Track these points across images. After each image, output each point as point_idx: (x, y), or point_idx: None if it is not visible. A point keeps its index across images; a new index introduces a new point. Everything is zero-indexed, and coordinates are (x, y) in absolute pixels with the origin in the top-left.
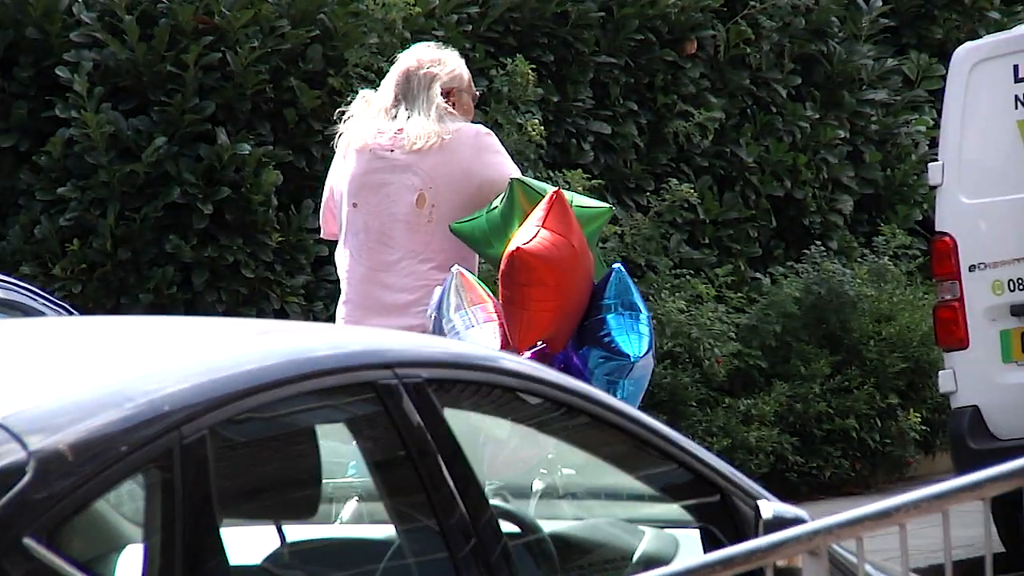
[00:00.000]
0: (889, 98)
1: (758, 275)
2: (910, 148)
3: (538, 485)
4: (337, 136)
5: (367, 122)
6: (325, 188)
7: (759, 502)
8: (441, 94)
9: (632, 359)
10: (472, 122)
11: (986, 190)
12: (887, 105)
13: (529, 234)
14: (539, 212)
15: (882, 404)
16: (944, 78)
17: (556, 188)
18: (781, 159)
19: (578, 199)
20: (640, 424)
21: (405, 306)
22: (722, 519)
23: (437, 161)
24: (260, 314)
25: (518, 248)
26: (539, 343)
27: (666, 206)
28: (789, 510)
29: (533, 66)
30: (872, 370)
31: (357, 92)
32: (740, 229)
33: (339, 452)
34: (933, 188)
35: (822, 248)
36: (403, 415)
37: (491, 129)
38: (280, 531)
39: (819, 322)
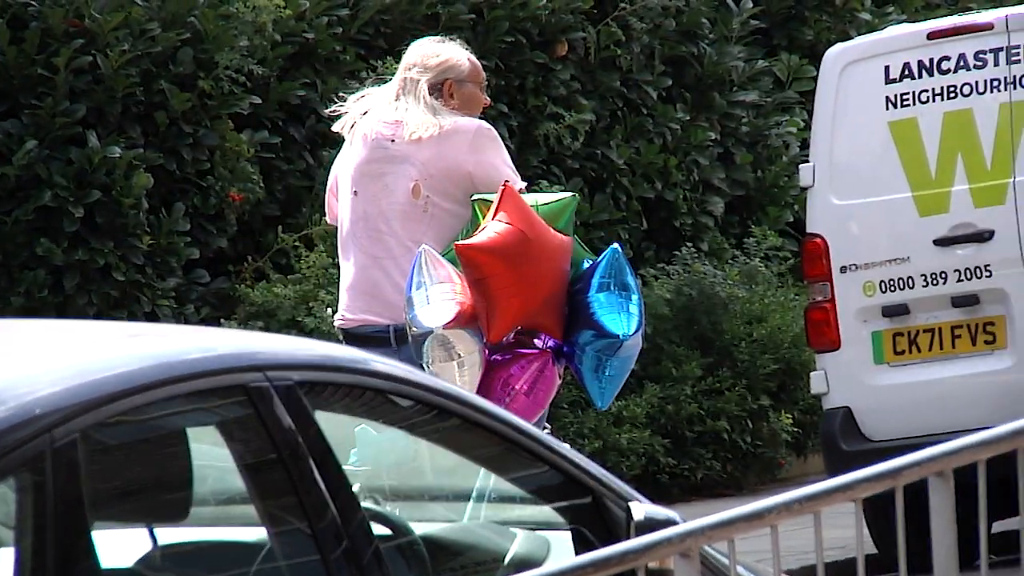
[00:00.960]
0: (760, 99)
1: None
2: (781, 150)
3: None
4: (347, 125)
5: (373, 112)
6: (330, 175)
7: (630, 504)
8: (436, 86)
9: (621, 338)
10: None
11: (857, 191)
12: (758, 107)
13: (480, 230)
14: (492, 208)
15: (753, 405)
16: (815, 79)
17: (506, 183)
18: (652, 161)
19: (542, 198)
20: (511, 426)
21: (406, 290)
22: (593, 521)
23: (433, 153)
24: (131, 317)
25: (458, 245)
26: (512, 334)
27: None
28: (660, 512)
29: None
30: (743, 372)
31: (227, 94)
32: (611, 231)
33: (210, 455)
34: (804, 189)
35: (693, 250)
36: (274, 417)
37: None
38: (152, 534)
39: (690, 324)
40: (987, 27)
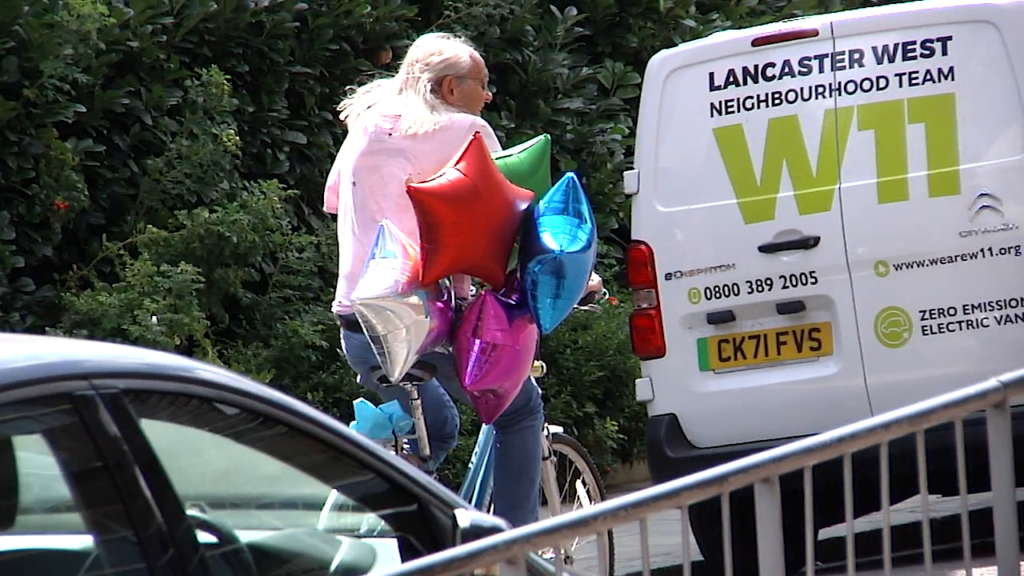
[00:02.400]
0: (584, 107)
1: None
2: (606, 157)
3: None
4: (343, 108)
5: (377, 105)
6: (334, 165)
7: (456, 511)
8: (436, 82)
9: (556, 254)
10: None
11: (682, 198)
12: (582, 114)
13: (439, 175)
14: (457, 155)
15: (579, 412)
16: (640, 86)
17: (476, 133)
18: None
19: (516, 149)
20: (337, 434)
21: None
22: (419, 528)
23: (429, 148)
24: None
25: (410, 187)
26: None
27: None
28: (486, 519)
29: (228, 76)
30: (569, 379)
31: (52, 103)
32: None
33: (36, 463)
34: (629, 196)
35: None
36: (99, 426)
37: (188, 140)
38: None
39: None
40: (812, 34)
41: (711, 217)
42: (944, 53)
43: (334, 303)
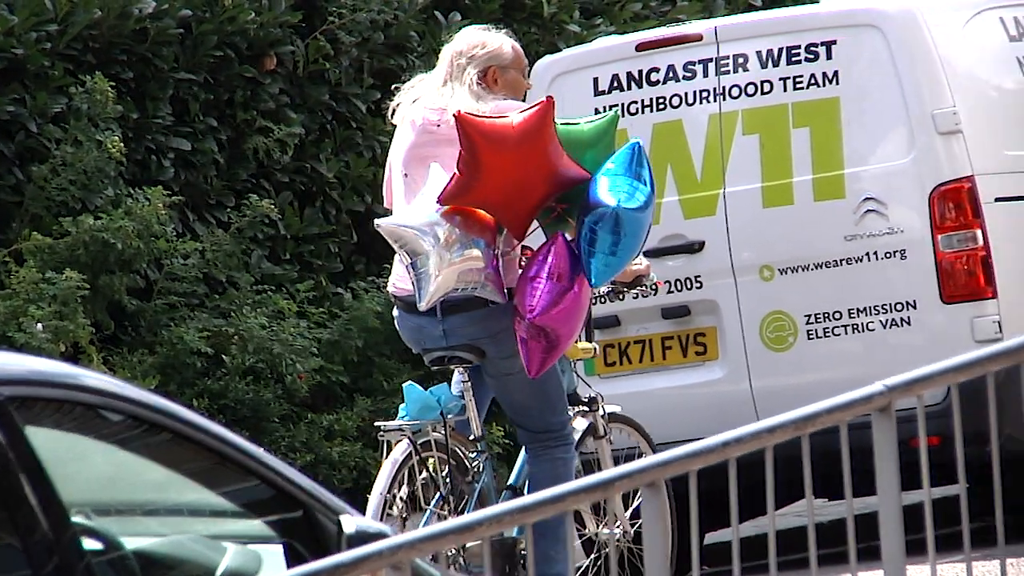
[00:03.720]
0: None
1: (340, 290)
2: None
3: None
4: (392, 110)
5: (421, 98)
6: (387, 162)
7: (342, 517)
8: (481, 73)
9: (613, 208)
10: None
11: None
12: None
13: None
14: (527, 108)
15: None
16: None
17: (549, 96)
18: (361, 174)
19: (584, 118)
20: (223, 440)
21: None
22: (305, 534)
23: None
24: None
25: (458, 113)
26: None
27: (247, 222)
28: (372, 525)
29: (112, 83)
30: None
31: None
32: (321, 244)
33: None
34: None
35: None
36: None
37: (72, 147)
38: None
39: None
40: (696, 38)
41: None
42: (829, 57)
43: (389, 285)
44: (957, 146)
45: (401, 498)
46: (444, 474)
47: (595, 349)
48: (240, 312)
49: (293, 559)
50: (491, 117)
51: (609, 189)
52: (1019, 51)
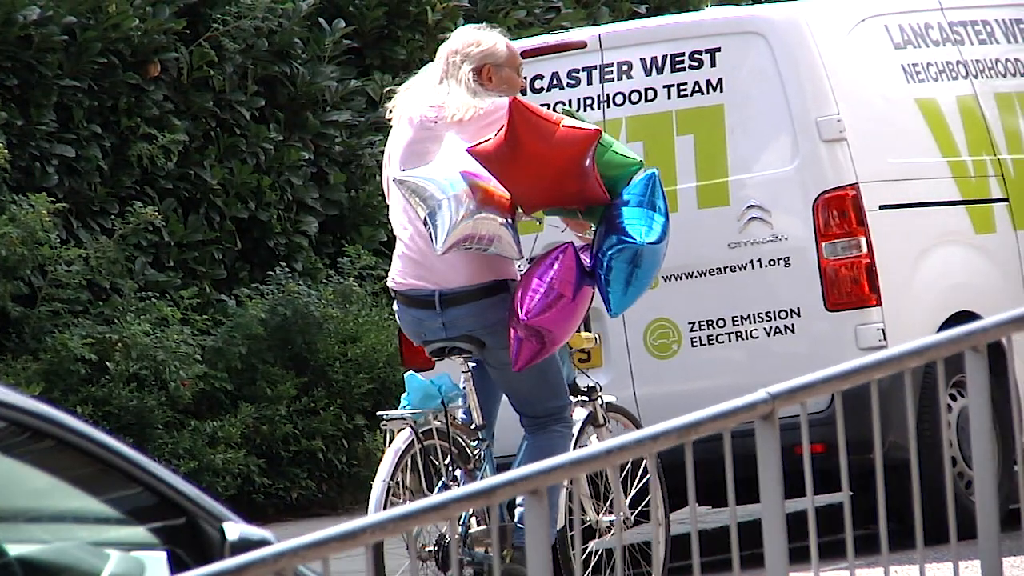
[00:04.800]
0: (353, 119)
1: (224, 297)
2: (374, 169)
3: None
4: (390, 108)
5: (418, 95)
6: (385, 155)
7: (225, 524)
8: (476, 71)
9: (637, 243)
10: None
11: None
12: (351, 126)
13: (549, 113)
14: (580, 123)
15: (348, 425)
16: None
17: (513, 98)
18: (245, 181)
19: (620, 148)
20: (106, 447)
21: (451, 259)
22: (188, 541)
23: (474, 132)
24: None
25: (515, 98)
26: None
27: (131, 229)
28: (255, 532)
29: None
30: (338, 391)
31: None
32: (205, 251)
33: None
34: None
35: (287, 270)
36: None
37: None
38: None
39: (285, 344)
40: (580, 46)
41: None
42: (713, 65)
43: (388, 279)
44: (841, 153)
45: (404, 486)
46: (446, 462)
47: (596, 338)
48: (124, 319)
49: (176, 566)
50: (543, 112)
51: (627, 220)
52: (904, 58)
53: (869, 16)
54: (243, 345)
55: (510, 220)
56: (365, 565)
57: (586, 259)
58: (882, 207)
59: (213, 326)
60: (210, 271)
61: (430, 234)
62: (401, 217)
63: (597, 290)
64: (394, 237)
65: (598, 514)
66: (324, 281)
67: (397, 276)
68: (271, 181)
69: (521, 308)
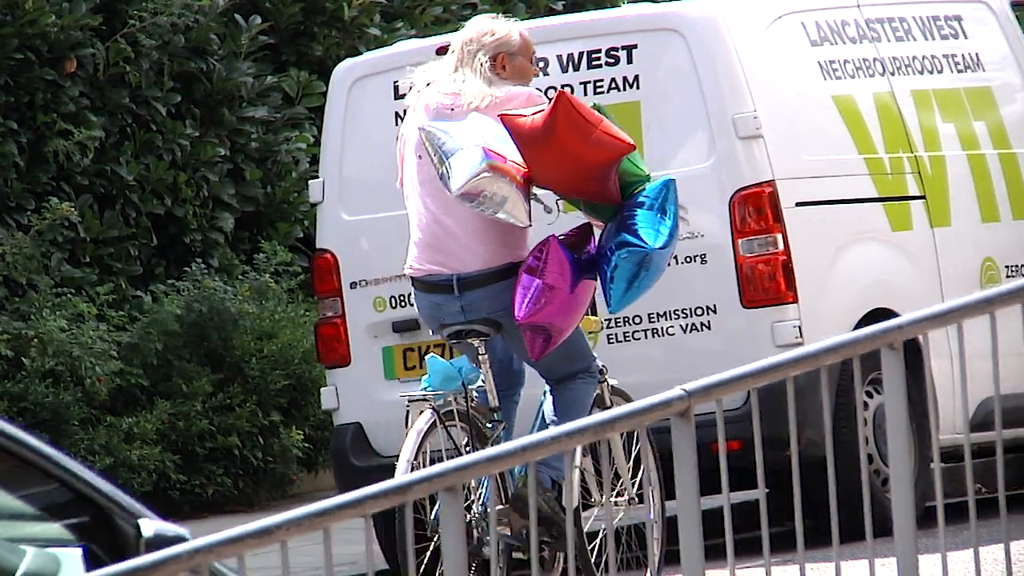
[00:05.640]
0: (269, 115)
1: (139, 293)
2: (291, 166)
3: None
4: (407, 92)
5: (434, 83)
6: (399, 140)
7: (140, 520)
8: (491, 59)
9: (648, 248)
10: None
11: (367, 207)
12: (267, 123)
13: (592, 112)
14: (618, 130)
15: (264, 422)
16: (325, 95)
17: (562, 92)
18: (161, 177)
19: (638, 161)
20: (21, 443)
21: (468, 243)
22: (104, 538)
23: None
24: None
25: (563, 92)
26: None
27: (47, 225)
28: (170, 528)
29: None
30: (254, 388)
31: None
32: (121, 247)
33: None
34: (314, 205)
35: (203, 266)
36: None
37: None
38: None
39: (201, 340)
40: None
41: (396, 226)
42: (629, 61)
43: (405, 266)
44: (758, 150)
45: (426, 467)
46: (464, 443)
47: (601, 323)
48: (40, 315)
49: (92, 562)
50: (523, 116)
51: (640, 223)
52: (821, 55)
53: (786, 13)
54: (159, 341)
55: (524, 190)
56: (281, 562)
57: (591, 248)
58: (798, 204)
59: (129, 322)
60: (126, 267)
61: (442, 176)
62: (417, 203)
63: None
64: (311, 234)
65: (602, 496)
66: (240, 277)
67: (414, 262)
68: (187, 177)
69: (516, 308)
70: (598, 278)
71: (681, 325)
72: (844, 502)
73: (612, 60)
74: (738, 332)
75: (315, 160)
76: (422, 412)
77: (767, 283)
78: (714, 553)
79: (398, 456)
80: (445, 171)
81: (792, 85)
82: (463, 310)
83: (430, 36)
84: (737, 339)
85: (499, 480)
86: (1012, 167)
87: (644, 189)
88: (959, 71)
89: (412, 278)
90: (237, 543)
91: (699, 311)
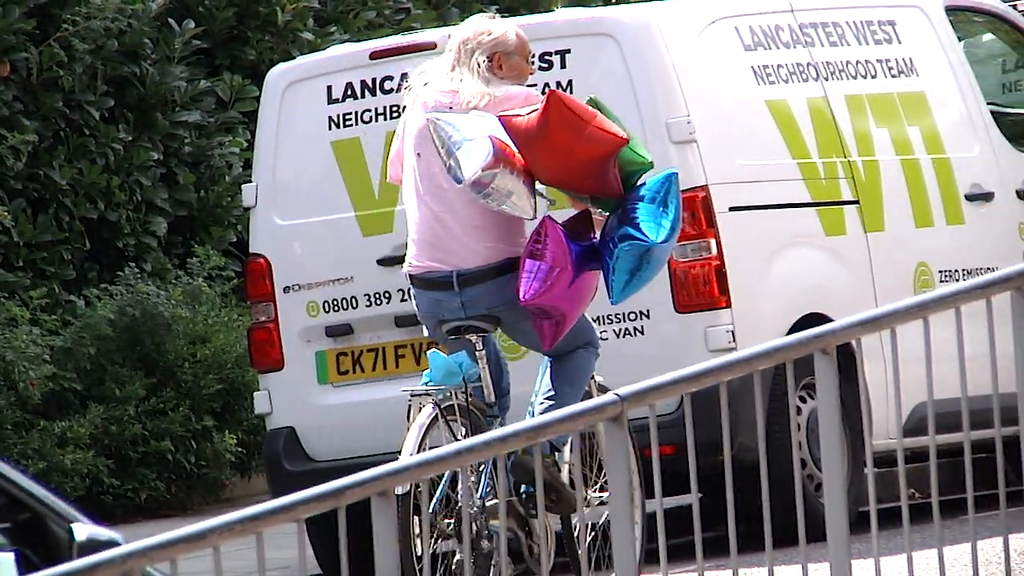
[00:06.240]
0: (202, 120)
1: (72, 298)
2: (224, 170)
3: None
4: (405, 91)
5: (431, 82)
6: (396, 138)
7: (73, 525)
8: (488, 59)
9: (650, 242)
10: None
11: (301, 211)
12: (201, 127)
13: (585, 108)
14: (611, 125)
15: (198, 426)
16: (258, 99)
17: (552, 91)
18: (95, 181)
19: (635, 143)
20: None
21: (467, 239)
22: (36, 542)
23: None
24: None
25: (554, 91)
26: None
27: None
28: (103, 533)
29: None
30: (187, 392)
31: None
32: (54, 251)
33: None
34: (247, 210)
35: (136, 270)
36: None
37: None
38: None
39: (134, 344)
40: (430, 46)
41: (329, 230)
42: (563, 66)
43: (404, 265)
44: (691, 155)
45: None
46: (464, 436)
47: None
48: None
49: (25, 567)
50: (518, 116)
51: (641, 216)
52: (754, 60)
53: (719, 18)
54: (92, 346)
55: (529, 183)
56: (214, 566)
57: (593, 237)
58: (732, 209)
59: (62, 327)
60: (59, 271)
61: (450, 169)
62: (415, 200)
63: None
64: (244, 238)
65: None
66: (173, 282)
67: (413, 260)
68: (120, 181)
69: (519, 292)
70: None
71: (614, 330)
72: (777, 507)
73: (545, 65)
74: (671, 337)
75: (248, 164)
76: (424, 406)
77: (700, 288)
78: (651, 556)
79: (333, 460)
80: (454, 163)
81: (726, 90)
82: (463, 306)
83: (363, 40)
84: (670, 344)
85: (493, 476)
86: (946, 172)
87: (647, 183)
88: (893, 76)
89: (410, 275)
90: (170, 547)
91: (632, 316)
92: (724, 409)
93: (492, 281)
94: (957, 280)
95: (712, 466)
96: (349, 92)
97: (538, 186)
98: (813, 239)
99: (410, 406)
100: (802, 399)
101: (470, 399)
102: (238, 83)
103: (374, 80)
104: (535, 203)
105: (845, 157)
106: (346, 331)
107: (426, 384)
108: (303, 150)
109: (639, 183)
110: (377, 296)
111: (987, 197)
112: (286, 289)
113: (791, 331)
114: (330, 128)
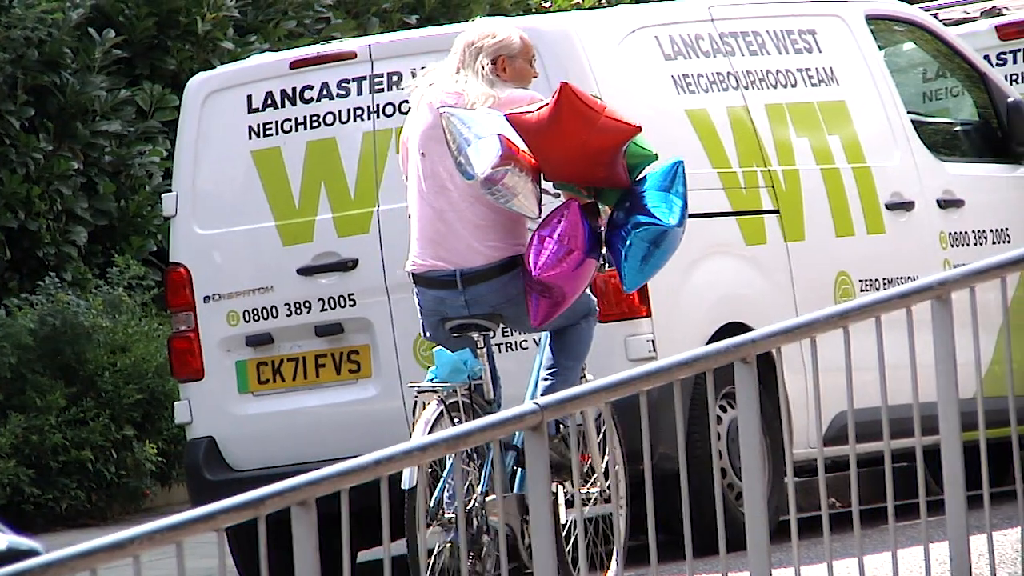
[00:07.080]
0: (123, 129)
1: None
2: (144, 179)
3: None
4: (411, 91)
5: (436, 83)
6: (402, 137)
7: None
8: (492, 62)
9: (664, 225)
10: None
11: (221, 220)
12: (121, 136)
13: (595, 99)
14: (622, 114)
15: (118, 435)
16: (178, 109)
17: (564, 83)
18: (15, 191)
19: (640, 138)
20: None
21: (470, 239)
22: None
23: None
24: None
25: (565, 83)
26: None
27: None
28: (23, 542)
29: None
30: (108, 401)
31: None
32: None
33: None
34: (168, 219)
35: (56, 280)
36: None
37: None
38: None
39: (54, 354)
40: (350, 56)
41: (249, 240)
42: None
43: (407, 263)
44: None
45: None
46: None
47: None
48: None
49: None
50: (525, 112)
51: (651, 202)
52: (674, 69)
53: (639, 27)
54: (12, 355)
55: (536, 181)
56: (133, 575)
57: (600, 224)
58: None
59: None
60: None
61: (460, 165)
62: (419, 200)
63: (613, 264)
64: (164, 247)
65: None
66: (93, 291)
67: (416, 258)
68: (40, 191)
69: (533, 264)
70: (602, 260)
71: (535, 339)
72: (698, 516)
73: None
74: (592, 346)
75: (168, 174)
76: (429, 403)
77: (620, 297)
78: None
79: (254, 470)
80: (464, 159)
81: (645, 99)
82: (467, 304)
83: (284, 50)
84: (591, 353)
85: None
86: (866, 181)
87: (653, 172)
88: (813, 85)
89: (414, 275)
90: (90, 557)
91: None
92: (644, 418)
93: (496, 279)
94: (877, 289)
95: (632, 475)
96: (269, 101)
97: (545, 184)
98: (733, 248)
99: (416, 402)
100: (722, 408)
101: (472, 396)
102: (158, 92)
103: (294, 89)
104: (540, 202)
105: (765, 166)
106: (266, 340)
107: (432, 381)
108: (223, 159)
109: (643, 175)
110: (297, 305)
111: (907, 206)
112: (206, 298)
113: (711, 340)
114: (250, 137)
